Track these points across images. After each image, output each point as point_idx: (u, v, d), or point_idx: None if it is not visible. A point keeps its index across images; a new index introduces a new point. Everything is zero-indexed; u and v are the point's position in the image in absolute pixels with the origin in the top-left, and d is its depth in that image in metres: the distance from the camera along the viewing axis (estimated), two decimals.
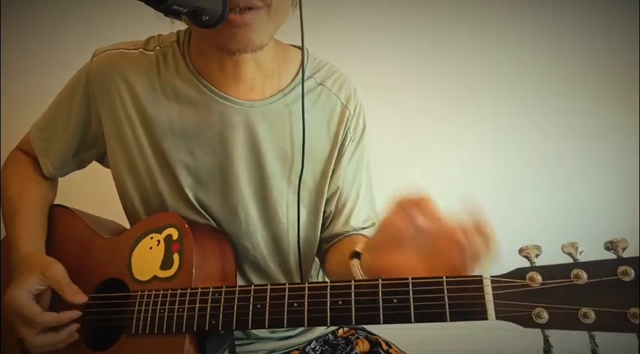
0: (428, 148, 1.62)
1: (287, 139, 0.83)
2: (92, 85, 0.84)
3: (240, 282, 0.88)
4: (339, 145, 0.86)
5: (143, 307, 0.74)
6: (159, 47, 0.84)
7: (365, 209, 0.92)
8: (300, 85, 0.82)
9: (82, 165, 0.96)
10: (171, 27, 0.80)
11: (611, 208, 1.60)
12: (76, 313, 0.76)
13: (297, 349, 0.93)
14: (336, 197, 0.89)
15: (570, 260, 0.57)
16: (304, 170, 0.83)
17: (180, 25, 0.79)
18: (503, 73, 1.60)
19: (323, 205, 0.88)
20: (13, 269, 0.79)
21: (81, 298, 0.76)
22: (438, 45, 1.58)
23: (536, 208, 1.62)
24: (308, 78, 0.85)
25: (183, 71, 0.82)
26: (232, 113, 0.80)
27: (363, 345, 0.91)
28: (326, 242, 0.91)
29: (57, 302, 0.77)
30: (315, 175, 0.86)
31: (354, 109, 0.88)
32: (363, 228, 0.90)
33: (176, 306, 0.71)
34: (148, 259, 0.78)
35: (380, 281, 0.60)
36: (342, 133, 0.86)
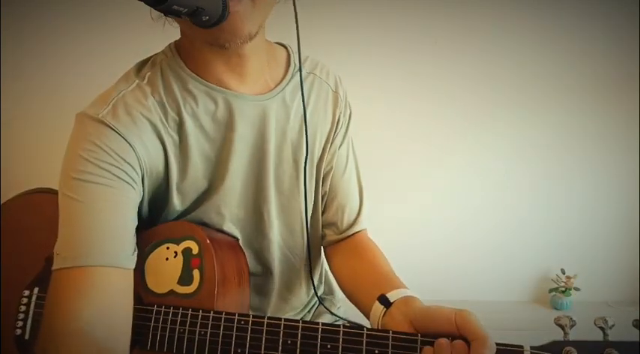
0: (427, 149, 1.63)
1: (296, 128, 0.85)
2: (125, 140, 0.72)
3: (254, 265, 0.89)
4: (335, 127, 0.90)
5: (160, 324, 0.72)
6: (149, 73, 0.77)
7: (357, 188, 0.96)
8: (296, 77, 0.85)
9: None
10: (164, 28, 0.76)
11: (610, 209, 1.68)
12: None
13: None
14: (330, 177, 0.92)
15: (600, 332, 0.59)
16: (310, 155, 0.87)
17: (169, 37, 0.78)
18: (504, 73, 1.61)
19: (321, 186, 0.92)
20: None
21: None
22: (438, 45, 1.58)
23: (536, 208, 1.69)
24: (299, 69, 0.85)
25: (192, 84, 0.77)
26: (247, 109, 0.79)
27: None
28: (330, 229, 0.94)
29: None
30: (316, 159, 0.90)
31: (343, 94, 0.93)
32: (359, 211, 0.94)
33: (197, 328, 0.70)
34: (163, 271, 0.75)
35: (419, 337, 0.61)
36: (336, 116, 0.91)
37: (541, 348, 0.58)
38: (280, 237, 0.89)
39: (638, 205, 1.64)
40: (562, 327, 0.60)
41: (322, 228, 0.95)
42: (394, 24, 1.56)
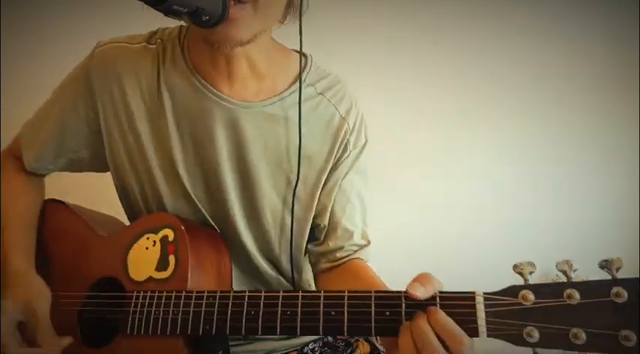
0: (427, 149, 1.63)
1: (281, 144, 0.83)
2: (92, 78, 0.83)
3: (237, 283, 0.88)
4: (333, 157, 0.85)
5: (139, 308, 0.74)
6: (160, 40, 0.84)
7: (360, 225, 0.90)
8: (295, 93, 0.81)
9: (72, 166, 0.93)
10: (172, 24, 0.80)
11: (611, 209, 1.62)
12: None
13: (296, 350, 0.94)
14: (329, 210, 0.87)
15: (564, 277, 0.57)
16: (286, 179, 0.83)
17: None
18: (504, 73, 1.60)
19: (312, 216, 0.87)
20: (4, 281, 0.77)
21: (52, 348, 0.73)
22: (438, 45, 1.59)
23: (536, 208, 1.63)
24: (308, 85, 0.84)
25: (180, 66, 0.82)
26: (220, 110, 0.80)
27: (364, 347, 0.91)
28: (324, 259, 0.89)
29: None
30: (307, 187, 0.85)
31: (354, 123, 0.86)
32: (360, 246, 0.89)
33: (171, 308, 0.71)
34: (143, 260, 0.78)
35: (373, 293, 0.60)
36: (337, 146, 0.85)
37: (496, 292, 0.56)
38: (256, 249, 0.88)
39: (638, 205, 1.56)
40: (521, 274, 0.58)
41: (317, 256, 0.90)
42: (394, 24, 1.58)
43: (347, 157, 0.86)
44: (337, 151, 0.85)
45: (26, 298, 0.74)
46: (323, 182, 0.85)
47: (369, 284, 0.80)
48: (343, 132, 0.85)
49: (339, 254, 0.87)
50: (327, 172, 0.85)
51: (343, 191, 0.87)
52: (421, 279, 0.58)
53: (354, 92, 0.90)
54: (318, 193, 0.86)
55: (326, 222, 0.87)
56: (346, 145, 0.85)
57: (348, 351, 0.92)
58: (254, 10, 0.68)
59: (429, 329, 0.54)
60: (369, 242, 0.90)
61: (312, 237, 0.90)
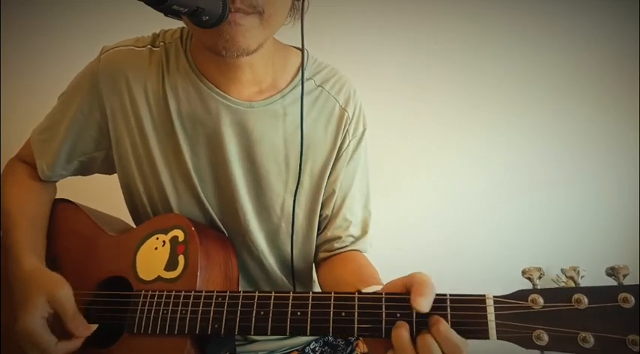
0: (428, 149, 1.64)
1: (285, 140, 0.84)
2: (100, 83, 0.83)
3: (243, 282, 0.89)
4: (337, 148, 0.87)
5: (146, 307, 0.74)
6: (162, 43, 0.84)
7: (359, 214, 0.92)
8: (299, 87, 0.82)
9: (84, 169, 0.93)
10: (173, 25, 0.80)
11: (611, 208, 1.63)
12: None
13: (297, 350, 0.94)
14: (333, 200, 0.88)
15: (572, 284, 0.58)
16: (302, 174, 0.84)
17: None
18: (504, 73, 1.61)
19: (319, 208, 0.89)
20: (17, 286, 0.76)
21: (85, 331, 0.73)
22: (439, 45, 1.59)
23: (535, 207, 1.65)
24: (307, 80, 0.85)
25: (184, 68, 0.82)
26: (227, 112, 0.81)
27: (364, 346, 0.93)
28: (322, 248, 0.91)
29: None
30: (313, 179, 0.87)
31: (353, 112, 0.88)
32: (356, 237, 0.90)
33: (179, 307, 0.72)
34: (152, 259, 0.78)
35: (384, 295, 0.61)
36: (340, 135, 0.86)
37: (506, 296, 0.57)
38: (266, 247, 0.89)
39: (638, 205, 1.58)
40: (530, 279, 0.59)
41: (317, 245, 0.92)
42: (395, 25, 1.59)
43: (347, 146, 0.87)
44: (339, 142, 0.86)
45: (48, 289, 0.73)
46: (328, 173, 0.87)
47: (357, 273, 0.82)
48: (344, 122, 0.86)
49: (336, 244, 0.89)
50: (331, 164, 0.87)
51: (344, 180, 0.89)
52: (421, 290, 0.57)
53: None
54: (324, 185, 0.87)
55: (329, 212, 0.89)
56: (346, 134, 0.87)
57: (348, 350, 0.93)
58: (260, 21, 0.69)
59: (434, 343, 0.55)
60: (366, 233, 0.92)
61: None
